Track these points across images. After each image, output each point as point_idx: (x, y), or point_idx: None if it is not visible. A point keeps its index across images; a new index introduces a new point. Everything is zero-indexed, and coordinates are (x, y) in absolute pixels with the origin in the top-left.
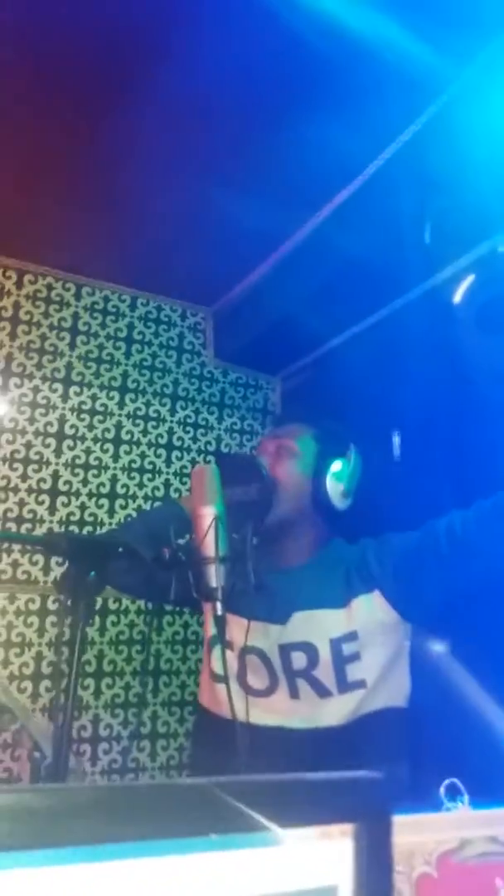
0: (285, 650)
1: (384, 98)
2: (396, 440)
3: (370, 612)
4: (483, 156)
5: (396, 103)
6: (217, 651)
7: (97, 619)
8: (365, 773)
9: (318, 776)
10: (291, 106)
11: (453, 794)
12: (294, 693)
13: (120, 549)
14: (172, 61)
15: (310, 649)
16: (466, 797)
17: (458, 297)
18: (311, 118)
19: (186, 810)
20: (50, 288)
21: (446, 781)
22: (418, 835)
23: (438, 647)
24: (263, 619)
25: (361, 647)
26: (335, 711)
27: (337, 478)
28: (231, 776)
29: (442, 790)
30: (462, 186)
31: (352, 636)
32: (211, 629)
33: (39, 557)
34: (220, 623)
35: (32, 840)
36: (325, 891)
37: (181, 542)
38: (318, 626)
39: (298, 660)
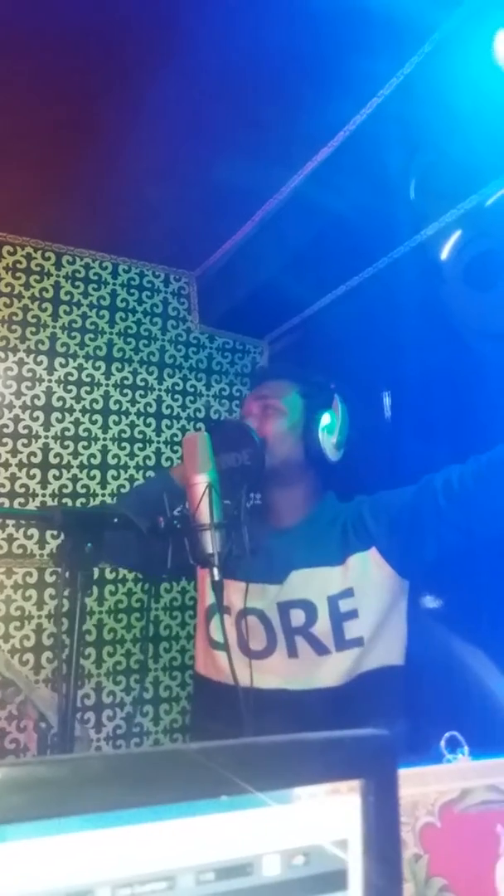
0: (284, 608)
1: (366, 49)
2: (387, 400)
3: (366, 569)
4: (468, 107)
5: (378, 55)
6: (216, 619)
7: (95, 588)
8: (371, 731)
9: (325, 735)
10: (270, 63)
11: (453, 746)
12: (292, 652)
13: (115, 520)
14: (150, 21)
15: (308, 607)
16: (466, 748)
17: (445, 254)
18: (290, 74)
19: (196, 774)
20: (29, 258)
21: (447, 734)
22: (421, 786)
23: (434, 603)
24: (261, 580)
25: (358, 603)
26: (333, 670)
27: (328, 431)
28: (240, 738)
29: (442, 743)
30: (447, 139)
31: (348, 593)
32: (207, 598)
33: (34, 531)
34: (218, 589)
35: (48, 810)
36: (336, 845)
37: (176, 512)
38: (315, 583)
39: (297, 617)
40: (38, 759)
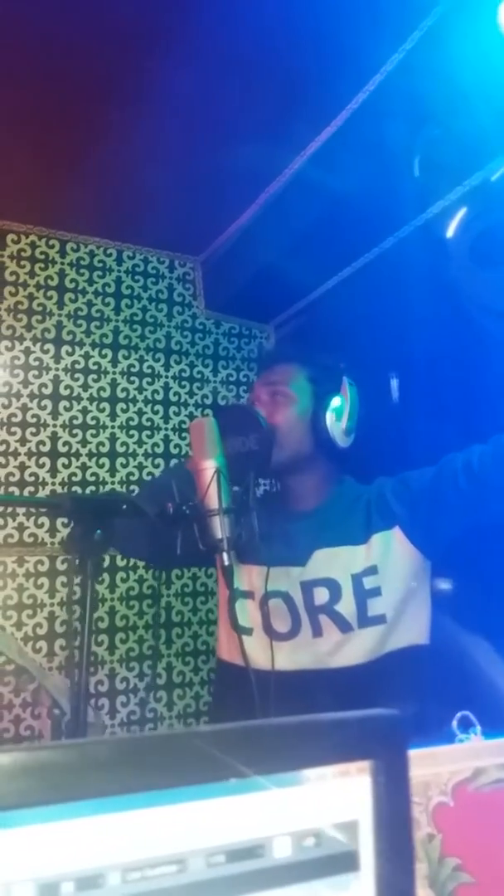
0: (307, 587)
1: (366, 26)
2: (394, 383)
3: (390, 547)
4: (472, 81)
5: (379, 30)
6: (239, 604)
7: (107, 576)
8: (379, 711)
9: (333, 716)
10: (270, 44)
11: (466, 725)
12: (317, 631)
13: (124, 507)
14: (151, 5)
15: (332, 585)
16: (479, 728)
17: (451, 232)
18: (290, 55)
19: (205, 757)
20: (34, 246)
21: (458, 714)
22: (433, 767)
23: (449, 583)
24: (283, 563)
25: (382, 581)
26: (357, 648)
27: (337, 415)
28: (247, 721)
29: (455, 722)
30: (452, 115)
31: (372, 570)
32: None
33: (45, 520)
34: (229, 574)
35: (57, 795)
36: (347, 826)
37: (190, 504)
38: (339, 562)
39: (320, 595)
40: (47, 745)
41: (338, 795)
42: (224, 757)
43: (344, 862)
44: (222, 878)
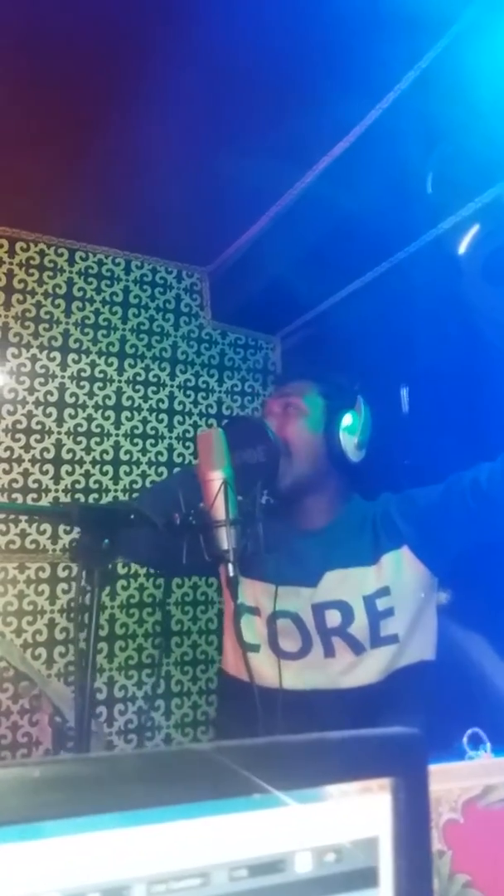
0: (318, 609)
1: (382, 43)
2: (404, 395)
3: (400, 567)
4: (487, 99)
5: (394, 48)
6: (244, 619)
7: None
8: (401, 729)
9: (356, 734)
10: (284, 58)
11: (476, 742)
12: (329, 652)
13: (131, 516)
14: (164, 16)
15: (344, 607)
16: (489, 745)
17: (462, 248)
18: (304, 69)
19: (229, 772)
20: (43, 254)
21: (469, 731)
22: (443, 783)
23: (449, 592)
24: (293, 582)
25: (394, 602)
26: (369, 668)
27: (349, 431)
28: (273, 737)
29: (465, 739)
30: (465, 132)
31: (384, 591)
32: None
33: (47, 526)
34: (233, 586)
35: (84, 807)
36: (367, 842)
37: (194, 511)
38: (350, 584)
39: (332, 618)
40: (74, 757)
41: (359, 812)
42: (248, 772)
43: (364, 878)
44: (244, 891)
